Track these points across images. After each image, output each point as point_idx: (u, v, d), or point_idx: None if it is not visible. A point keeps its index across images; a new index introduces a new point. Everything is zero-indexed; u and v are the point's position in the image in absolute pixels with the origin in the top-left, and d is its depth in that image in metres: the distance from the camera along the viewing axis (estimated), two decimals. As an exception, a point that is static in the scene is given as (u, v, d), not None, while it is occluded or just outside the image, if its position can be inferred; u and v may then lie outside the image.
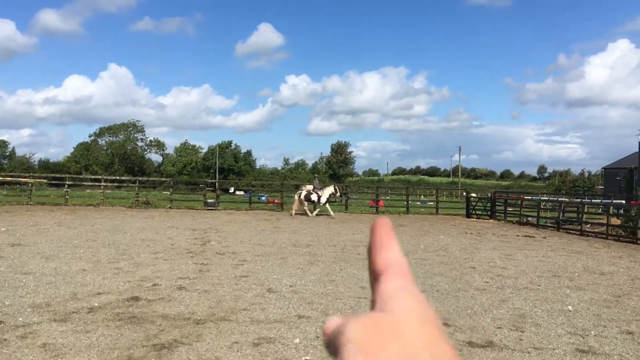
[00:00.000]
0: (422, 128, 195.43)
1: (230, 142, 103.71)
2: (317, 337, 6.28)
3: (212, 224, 21.21)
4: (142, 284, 9.07)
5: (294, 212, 27.84)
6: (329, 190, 28.41)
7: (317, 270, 10.92)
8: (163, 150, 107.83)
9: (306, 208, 27.82)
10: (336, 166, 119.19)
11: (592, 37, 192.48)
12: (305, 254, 13.17)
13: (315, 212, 27.97)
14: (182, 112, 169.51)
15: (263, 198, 42.91)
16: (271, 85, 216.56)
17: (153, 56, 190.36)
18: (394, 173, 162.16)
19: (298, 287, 9.18)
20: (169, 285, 9.02)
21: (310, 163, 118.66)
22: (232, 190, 61.04)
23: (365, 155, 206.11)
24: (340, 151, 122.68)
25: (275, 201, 35.88)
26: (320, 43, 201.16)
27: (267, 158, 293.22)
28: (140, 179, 38.41)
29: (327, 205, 28.06)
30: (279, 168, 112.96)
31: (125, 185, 39.29)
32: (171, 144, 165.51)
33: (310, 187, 40.92)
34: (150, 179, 53.35)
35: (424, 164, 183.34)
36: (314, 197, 27.73)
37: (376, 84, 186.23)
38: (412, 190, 53.61)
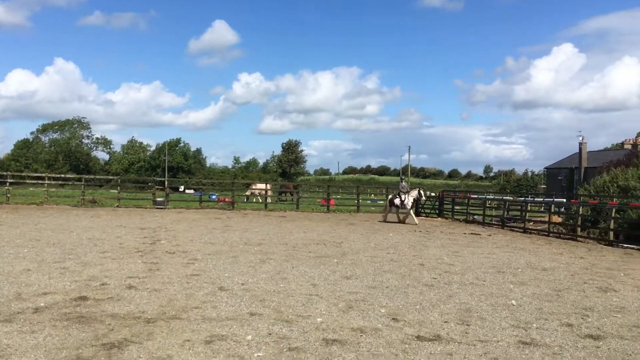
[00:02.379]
0: (374, 128, 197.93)
1: (179, 140, 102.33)
2: (270, 334, 6.32)
3: (162, 222, 20.89)
4: (90, 283, 8.88)
5: (385, 216, 25.93)
6: (414, 194, 25.72)
7: (268, 268, 10.94)
8: (110, 148, 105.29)
9: (387, 213, 26.05)
10: (287, 165, 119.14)
11: (538, 40, 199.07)
12: (257, 253, 13.16)
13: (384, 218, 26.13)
14: (131, 109, 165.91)
15: (213, 197, 42.53)
16: (224, 83, 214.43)
17: (102, 51, 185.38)
18: (345, 172, 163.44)
19: (250, 285, 9.18)
20: (118, 284, 8.86)
21: (261, 162, 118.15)
22: (182, 188, 60.33)
23: (317, 154, 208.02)
24: (291, 150, 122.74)
25: (226, 200, 35.62)
26: (274, 41, 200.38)
27: (217, 156, 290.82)
28: (86, 177, 37.32)
29: (412, 211, 25.67)
30: (230, 167, 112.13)
31: (70, 183, 38.12)
32: (119, 141, 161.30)
33: (262, 185, 40.76)
34: (97, 177, 52.00)
35: (375, 163, 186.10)
36: (397, 201, 25.25)
37: (329, 83, 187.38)
38: (363, 189, 54.11)
